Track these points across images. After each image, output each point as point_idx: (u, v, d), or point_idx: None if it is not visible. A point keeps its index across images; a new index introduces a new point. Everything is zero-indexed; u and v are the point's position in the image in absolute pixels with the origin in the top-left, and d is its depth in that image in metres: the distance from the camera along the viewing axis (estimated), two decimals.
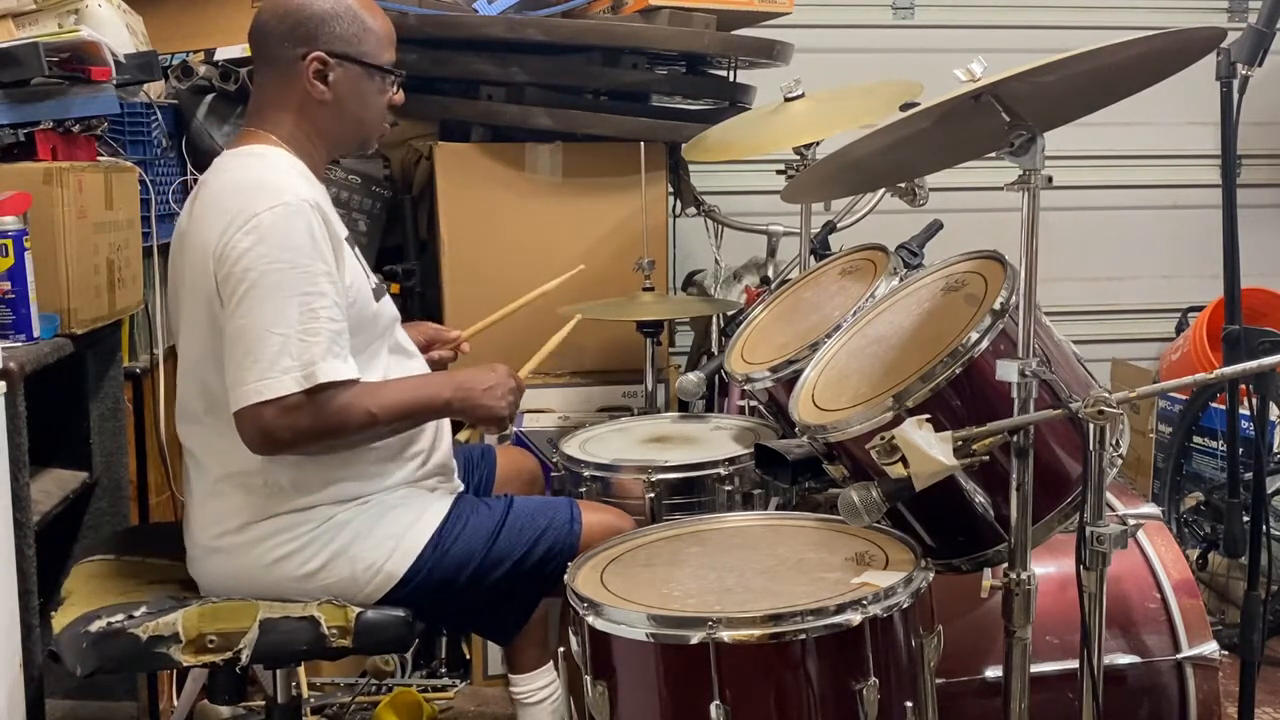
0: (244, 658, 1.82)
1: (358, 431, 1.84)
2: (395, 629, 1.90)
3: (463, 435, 2.20)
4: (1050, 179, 1.60)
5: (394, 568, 1.90)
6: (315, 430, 1.79)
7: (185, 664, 1.83)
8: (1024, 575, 1.65)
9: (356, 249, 2.00)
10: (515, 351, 2.21)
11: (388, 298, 2.06)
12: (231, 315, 1.78)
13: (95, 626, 1.82)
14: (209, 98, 2.86)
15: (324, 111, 1.95)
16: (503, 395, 1.96)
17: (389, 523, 1.92)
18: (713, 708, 1.49)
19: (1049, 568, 1.85)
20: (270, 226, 1.78)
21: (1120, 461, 1.74)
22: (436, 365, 2.25)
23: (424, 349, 2.21)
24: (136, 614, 1.83)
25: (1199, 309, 3.82)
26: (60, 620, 1.85)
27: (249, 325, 1.76)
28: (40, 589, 1.94)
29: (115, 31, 2.48)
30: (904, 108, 1.62)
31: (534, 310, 2.39)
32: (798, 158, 2.67)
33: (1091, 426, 1.56)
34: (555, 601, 2.02)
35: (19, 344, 2.01)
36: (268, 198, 1.80)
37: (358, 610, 1.87)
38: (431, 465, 2.02)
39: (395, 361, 2.01)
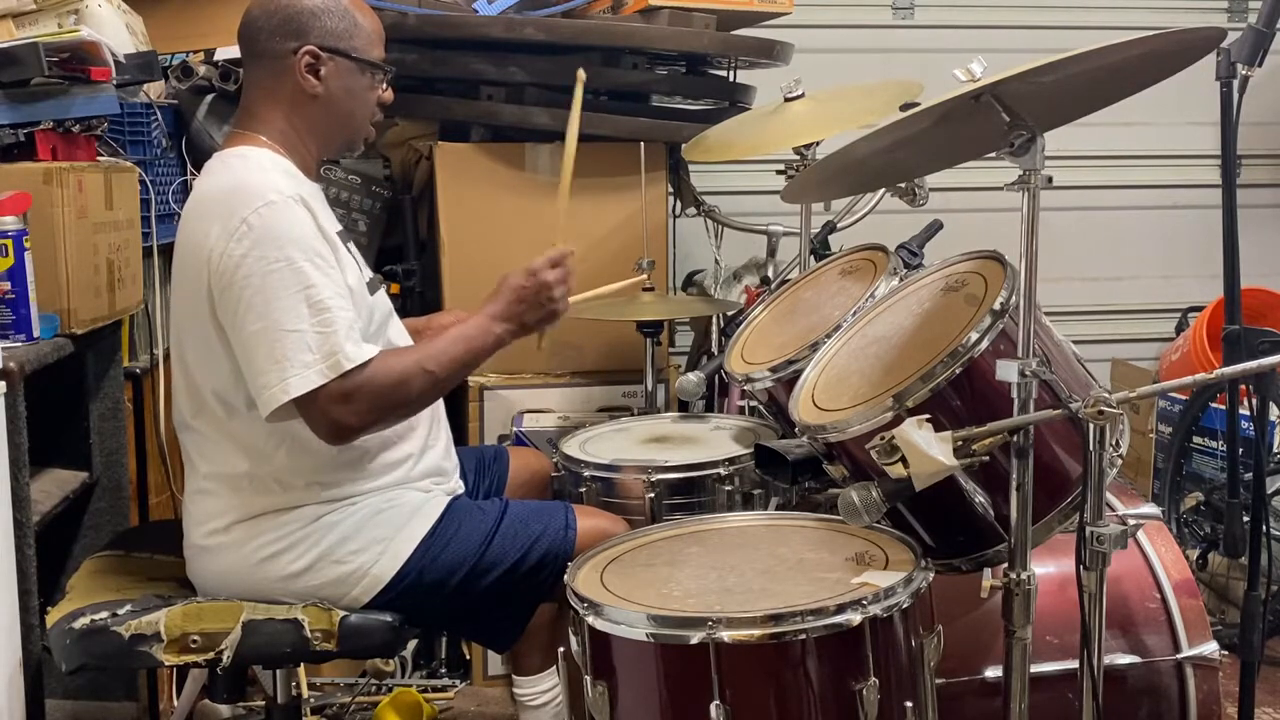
0: (226, 659, 1.82)
1: (422, 394, 1.88)
2: (381, 634, 1.88)
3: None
4: (1050, 179, 1.60)
5: (381, 571, 1.89)
6: (381, 406, 1.82)
7: (167, 663, 1.83)
8: (1024, 575, 1.65)
9: (350, 244, 1.99)
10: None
11: (382, 293, 2.04)
12: (242, 323, 1.78)
13: (79, 623, 1.82)
14: (209, 98, 2.86)
15: (314, 106, 1.95)
16: (541, 295, 1.98)
17: (377, 525, 1.91)
18: (713, 708, 1.49)
19: (1049, 568, 1.85)
20: (260, 229, 1.78)
21: (1120, 461, 1.74)
22: None
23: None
24: (120, 612, 1.83)
25: (1199, 309, 3.82)
26: (53, 616, 1.85)
27: (263, 329, 1.76)
28: (40, 589, 1.94)
29: (115, 31, 2.48)
30: (904, 108, 1.62)
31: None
32: (798, 158, 2.66)
33: (1091, 426, 1.56)
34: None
35: (19, 344, 2.02)
36: (252, 199, 1.80)
37: (342, 614, 1.86)
38: (423, 467, 2.00)
39: None
